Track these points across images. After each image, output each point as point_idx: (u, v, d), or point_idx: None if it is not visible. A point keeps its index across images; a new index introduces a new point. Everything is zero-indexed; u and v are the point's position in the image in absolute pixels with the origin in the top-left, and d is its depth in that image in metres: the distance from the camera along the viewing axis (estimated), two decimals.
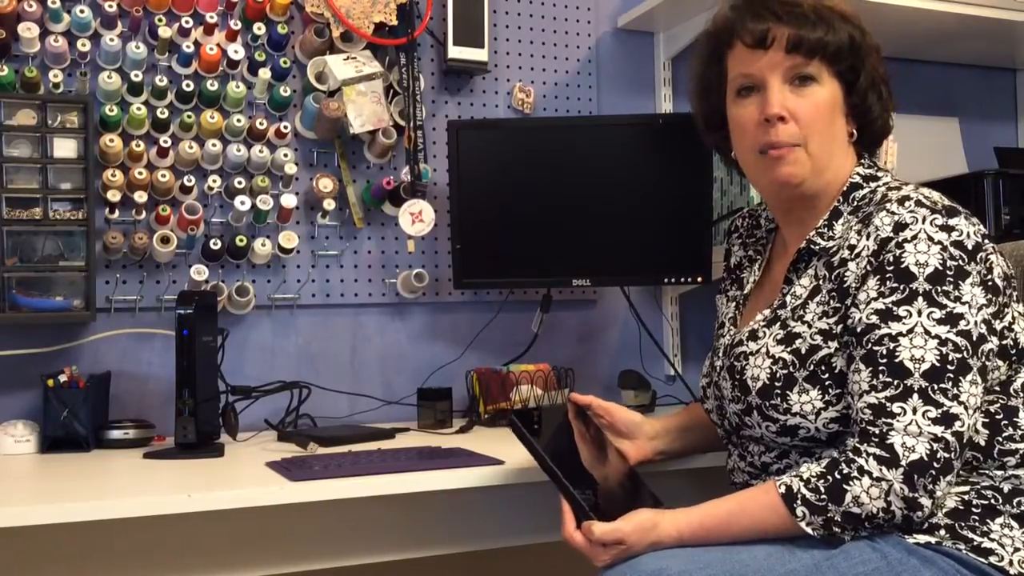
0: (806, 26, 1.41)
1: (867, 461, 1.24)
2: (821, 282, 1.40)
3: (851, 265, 1.36)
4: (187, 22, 2.11)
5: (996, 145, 2.70)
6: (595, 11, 2.55)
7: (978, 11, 2.43)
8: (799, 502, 1.26)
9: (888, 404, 1.26)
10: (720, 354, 1.55)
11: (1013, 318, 1.36)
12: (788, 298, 1.44)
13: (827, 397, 1.36)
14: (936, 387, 1.25)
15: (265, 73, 2.16)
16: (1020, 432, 1.34)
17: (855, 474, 1.24)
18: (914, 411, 1.25)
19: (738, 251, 1.66)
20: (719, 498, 1.37)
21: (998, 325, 1.33)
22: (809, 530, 1.26)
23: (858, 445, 1.26)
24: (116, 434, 1.91)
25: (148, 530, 1.44)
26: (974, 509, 1.31)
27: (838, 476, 1.25)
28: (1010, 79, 3.05)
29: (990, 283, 1.32)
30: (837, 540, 1.27)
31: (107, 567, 1.45)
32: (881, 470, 1.23)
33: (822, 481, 1.26)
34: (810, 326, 1.39)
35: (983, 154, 2.75)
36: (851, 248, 1.37)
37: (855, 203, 1.43)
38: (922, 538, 1.27)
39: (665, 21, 2.51)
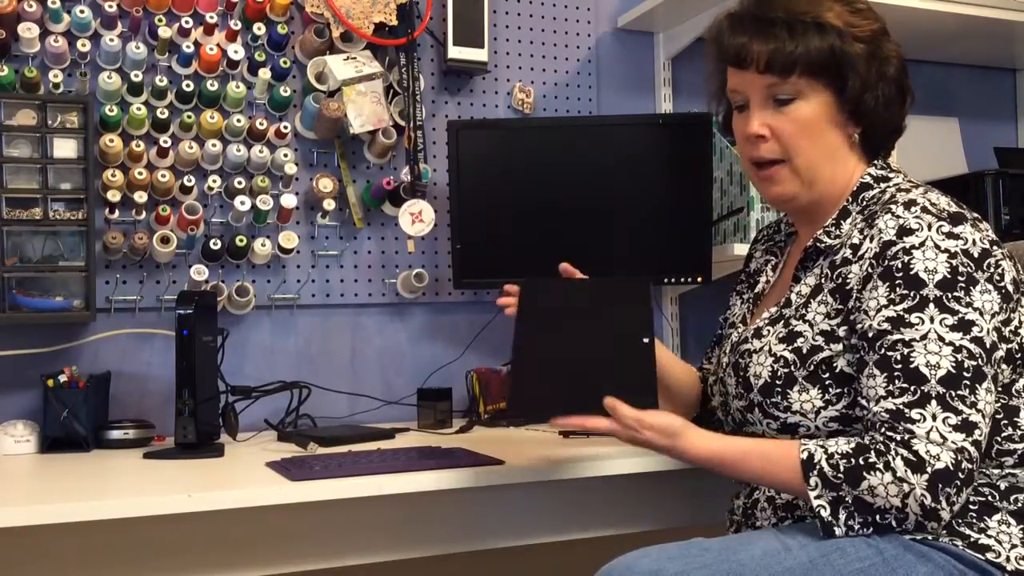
0: (777, 42, 1.40)
1: (894, 459, 1.24)
2: (824, 281, 1.41)
3: (853, 266, 1.36)
4: (187, 22, 2.11)
5: (996, 145, 2.70)
6: (595, 11, 2.55)
7: (978, 11, 2.43)
8: (815, 473, 1.27)
9: (907, 410, 1.26)
10: (727, 351, 1.56)
11: (1020, 322, 1.36)
12: (793, 296, 1.45)
13: (827, 396, 1.37)
14: (954, 394, 1.25)
15: (265, 73, 2.16)
16: (1020, 432, 1.35)
17: (880, 466, 1.24)
18: (933, 417, 1.24)
19: (759, 257, 1.67)
20: (742, 437, 1.41)
21: (1006, 331, 1.32)
22: (817, 502, 1.27)
23: (887, 441, 1.26)
24: (116, 434, 1.91)
25: (148, 530, 1.44)
26: (971, 506, 1.31)
27: (861, 462, 1.25)
28: (1010, 79, 3.05)
29: (1003, 289, 1.31)
30: (833, 527, 1.26)
31: (107, 567, 1.45)
32: (906, 472, 1.23)
33: (844, 461, 1.26)
34: (812, 326, 1.39)
35: (983, 154, 2.75)
36: (853, 248, 1.37)
37: (864, 202, 1.44)
38: (919, 534, 1.27)
39: (665, 21, 2.51)
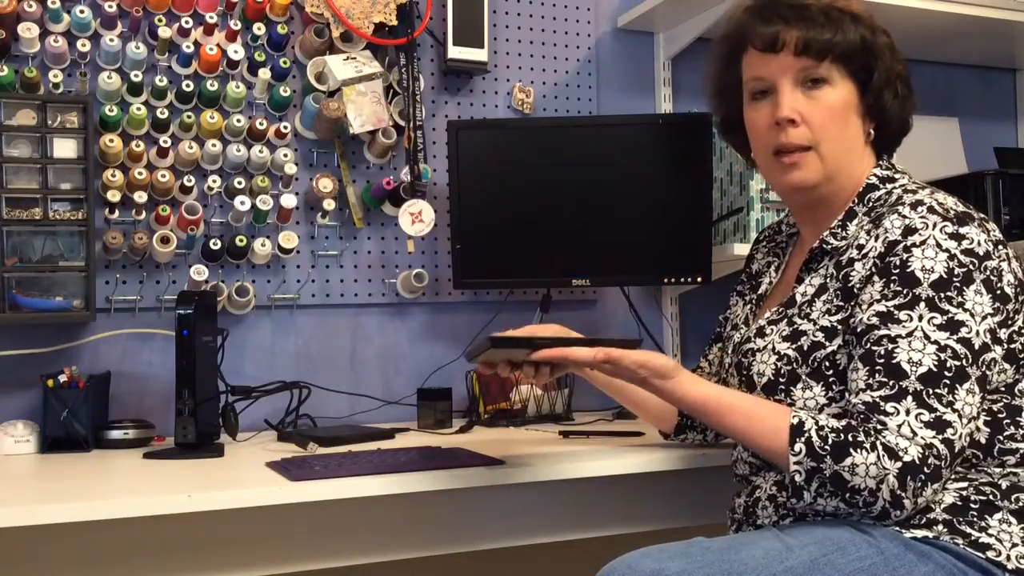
0: (815, 28, 1.41)
1: (877, 441, 1.25)
2: (828, 281, 1.41)
3: (857, 265, 1.36)
4: (187, 22, 2.11)
5: (996, 145, 2.70)
6: (595, 11, 2.55)
7: (978, 11, 2.43)
8: (802, 440, 1.28)
9: (882, 403, 1.27)
10: (729, 352, 1.56)
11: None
12: (797, 296, 1.45)
13: (830, 393, 1.37)
14: (931, 391, 1.25)
15: (265, 73, 2.16)
16: (1022, 432, 1.35)
17: (867, 446, 1.25)
18: (907, 412, 1.25)
19: (761, 259, 1.67)
20: (735, 391, 1.44)
21: (1004, 333, 1.32)
22: (795, 467, 1.28)
23: (868, 429, 1.26)
24: (116, 434, 1.91)
25: (148, 530, 1.44)
26: (972, 505, 1.31)
27: (849, 439, 1.26)
28: (1010, 79, 3.05)
29: (999, 291, 1.31)
30: (803, 491, 1.28)
31: (107, 567, 1.45)
32: (884, 457, 1.24)
33: (834, 435, 1.27)
34: (815, 324, 1.40)
35: (983, 154, 2.75)
36: (859, 248, 1.37)
37: (870, 204, 1.44)
38: (919, 533, 1.28)
39: (665, 21, 2.51)
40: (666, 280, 2.26)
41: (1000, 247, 1.34)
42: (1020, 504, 1.32)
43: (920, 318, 1.28)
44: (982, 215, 1.36)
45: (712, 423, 1.42)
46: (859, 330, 1.32)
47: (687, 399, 1.41)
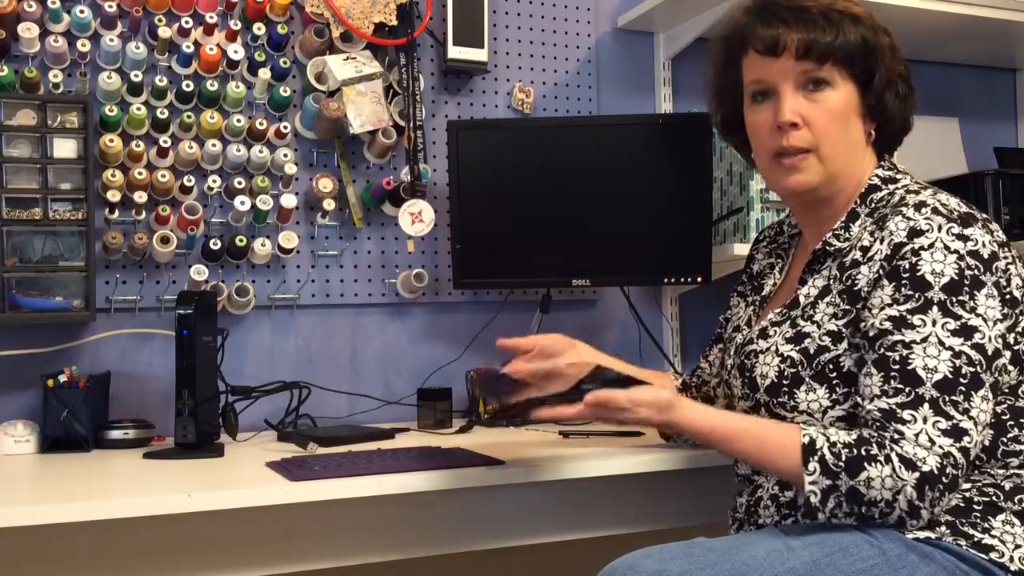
0: (815, 31, 1.41)
1: (892, 453, 1.24)
2: (832, 283, 1.41)
3: (863, 268, 1.36)
4: (187, 22, 2.11)
5: (996, 145, 2.71)
6: (595, 11, 2.55)
7: (978, 11, 2.43)
8: (815, 459, 1.27)
9: (898, 410, 1.26)
10: (731, 353, 1.56)
11: None
12: (800, 298, 1.45)
13: (834, 396, 1.37)
14: (947, 399, 1.25)
15: (265, 73, 2.15)
16: None
17: (880, 459, 1.24)
18: (924, 420, 1.25)
19: (762, 259, 1.67)
20: (739, 414, 1.43)
21: (1012, 336, 1.32)
22: (811, 487, 1.27)
23: (881, 439, 1.26)
24: (116, 434, 1.91)
25: (148, 530, 1.44)
26: (975, 506, 1.31)
27: (863, 453, 1.25)
28: (1010, 79, 3.05)
29: (1008, 295, 1.31)
30: (818, 512, 1.28)
31: (107, 567, 1.45)
32: (900, 468, 1.23)
33: (847, 450, 1.27)
34: (819, 326, 1.39)
35: (983, 154, 2.75)
36: (863, 250, 1.37)
37: (873, 205, 1.44)
38: (921, 534, 1.28)
39: (665, 21, 2.51)
40: (666, 280, 2.26)
41: (1005, 248, 1.34)
42: (1023, 505, 1.32)
43: (934, 323, 1.28)
44: (985, 216, 1.36)
45: (721, 450, 1.42)
46: (871, 335, 1.32)
47: (694, 427, 1.40)
